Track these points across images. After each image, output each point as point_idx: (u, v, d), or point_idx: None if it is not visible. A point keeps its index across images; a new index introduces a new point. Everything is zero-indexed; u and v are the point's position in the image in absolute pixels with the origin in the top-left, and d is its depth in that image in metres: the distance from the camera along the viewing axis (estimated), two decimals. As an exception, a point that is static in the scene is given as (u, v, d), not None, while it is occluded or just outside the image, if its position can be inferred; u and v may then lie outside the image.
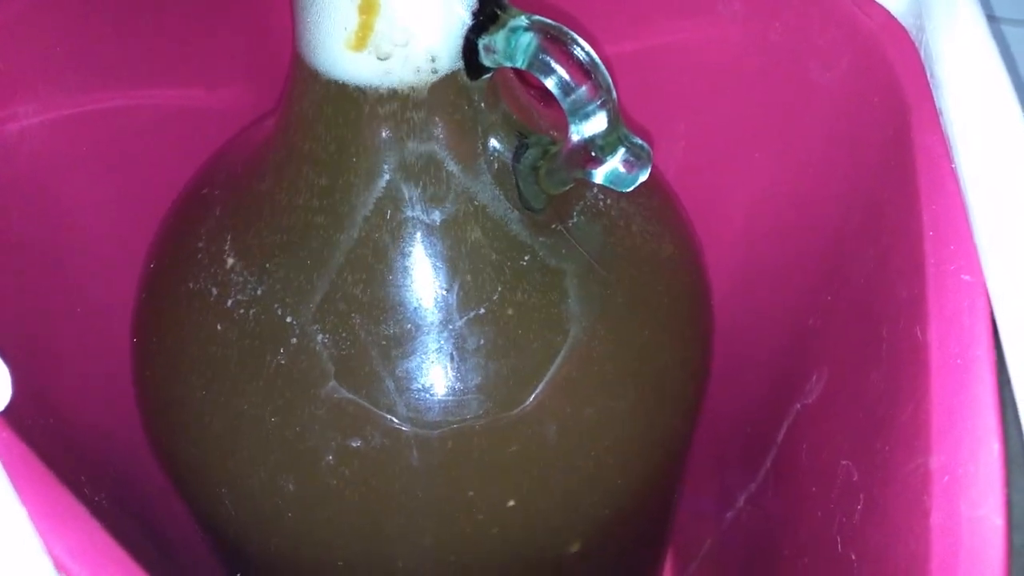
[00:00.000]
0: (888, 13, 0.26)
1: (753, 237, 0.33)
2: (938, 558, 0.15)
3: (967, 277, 0.18)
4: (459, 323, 0.23)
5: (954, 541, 0.15)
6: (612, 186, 0.22)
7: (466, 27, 0.21)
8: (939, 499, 0.16)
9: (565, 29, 0.21)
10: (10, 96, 0.28)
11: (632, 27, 0.32)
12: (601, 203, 0.26)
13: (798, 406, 0.29)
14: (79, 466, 0.28)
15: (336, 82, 0.22)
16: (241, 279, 0.25)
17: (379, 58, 0.21)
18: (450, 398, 0.23)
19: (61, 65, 0.30)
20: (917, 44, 0.24)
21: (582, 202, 0.26)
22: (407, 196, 0.23)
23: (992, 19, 0.24)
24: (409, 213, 0.23)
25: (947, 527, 0.15)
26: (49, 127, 0.29)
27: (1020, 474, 0.17)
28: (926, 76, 0.23)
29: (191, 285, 0.26)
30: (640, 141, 0.21)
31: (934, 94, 0.22)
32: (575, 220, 0.25)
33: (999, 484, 0.15)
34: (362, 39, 0.21)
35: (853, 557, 0.20)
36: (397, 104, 0.22)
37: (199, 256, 0.26)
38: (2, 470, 0.14)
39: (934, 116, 0.22)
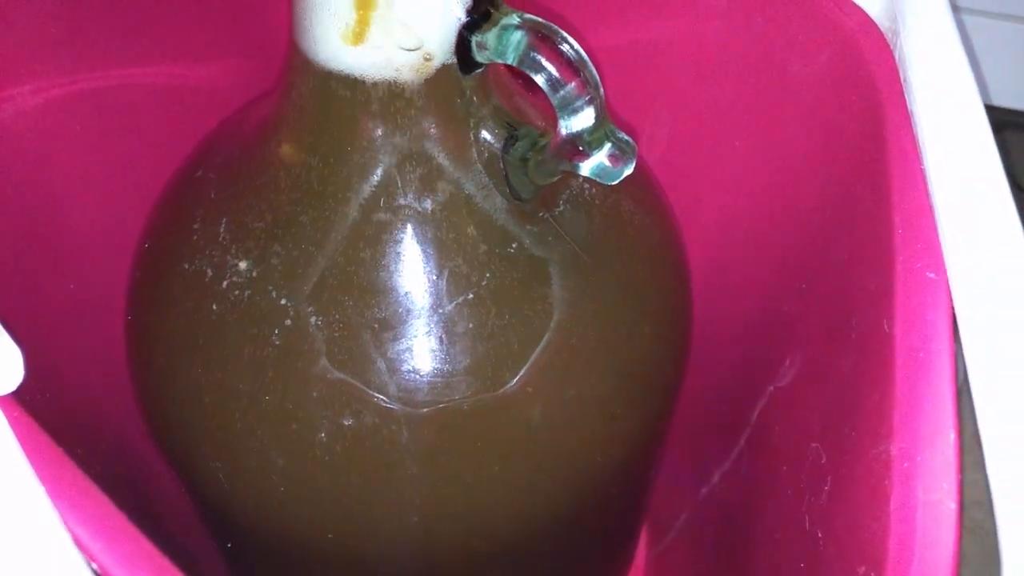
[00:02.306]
0: (865, 14, 0.27)
1: (731, 225, 0.34)
2: (896, 538, 0.16)
3: (932, 275, 0.19)
4: (448, 307, 0.24)
5: (911, 523, 0.16)
6: (598, 179, 0.22)
7: (460, 24, 0.22)
8: (898, 484, 0.17)
9: (555, 27, 0.22)
10: (5, 78, 0.29)
11: (618, 21, 0.32)
12: (587, 192, 0.27)
13: (772, 388, 0.30)
14: (73, 441, 0.28)
15: (333, 74, 0.22)
16: (236, 261, 0.25)
17: (374, 52, 0.22)
18: (439, 379, 0.24)
19: (55, 44, 0.30)
20: (892, 47, 0.25)
21: (568, 191, 0.27)
22: (400, 185, 0.24)
23: (955, 9, 0.25)
24: (401, 201, 0.24)
25: (905, 510, 0.16)
26: (44, 107, 0.30)
27: (980, 452, 0.18)
28: (900, 78, 0.24)
29: (186, 266, 0.26)
30: (626, 137, 0.22)
31: (907, 98, 0.23)
32: (561, 209, 0.26)
33: (954, 470, 0.16)
34: (359, 34, 0.22)
35: (820, 535, 0.21)
36: (392, 97, 0.23)
37: (195, 238, 0.26)
38: (19, 449, 0.15)
39: (907, 118, 0.23)
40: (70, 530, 0.14)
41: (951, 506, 0.16)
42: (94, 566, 0.14)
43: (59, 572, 0.13)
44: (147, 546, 0.15)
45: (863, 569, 0.17)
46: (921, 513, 0.16)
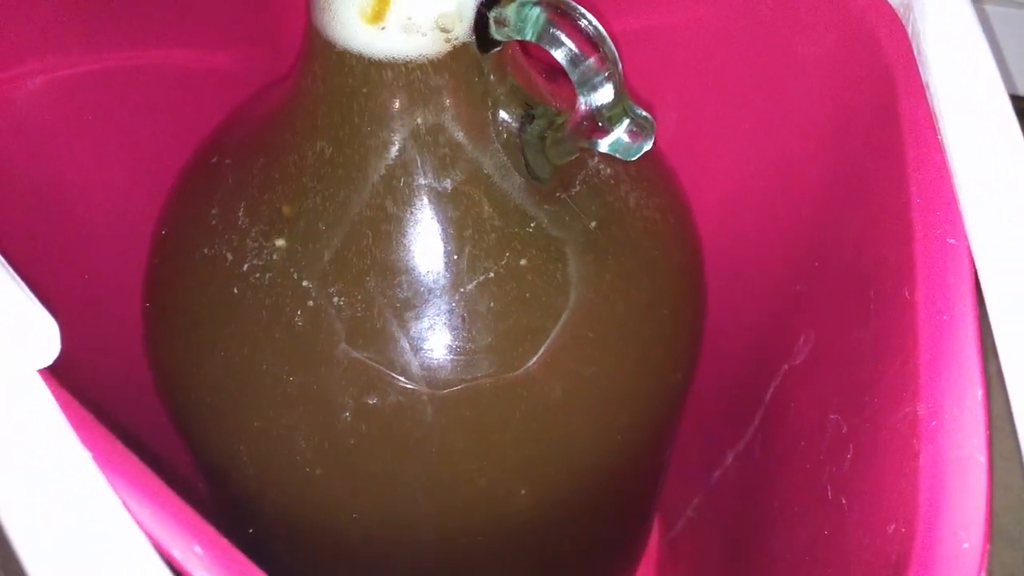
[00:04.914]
0: (875, -10, 0.27)
1: (742, 205, 0.34)
2: (926, 494, 0.16)
3: (952, 241, 0.20)
4: (469, 286, 0.24)
5: (941, 479, 0.16)
6: (617, 155, 0.22)
7: (478, 1, 0.22)
8: (927, 442, 0.17)
9: (572, 3, 0.22)
10: (18, 59, 0.29)
11: (627, 6, 0.33)
12: (602, 172, 0.27)
13: (786, 367, 0.30)
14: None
15: (351, 53, 0.23)
16: (256, 244, 0.25)
17: (394, 31, 0.22)
18: (462, 358, 0.24)
19: (66, 27, 0.30)
20: (904, 22, 0.25)
21: (584, 171, 0.27)
22: (419, 164, 0.24)
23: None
24: (420, 180, 0.24)
25: (934, 466, 0.17)
26: (57, 90, 0.30)
27: (1000, 439, 0.19)
28: (912, 51, 0.24)
29: (206, 251, 0.26)
30: (644, 112, 0.22)
31: (920, 69, 0.23)
32: (578, 189, 0.26)
33: (982, 425, 0.17)
34: (378, 13, 0.22)
35: (844, 502, 0.21)
36: (410, 75, 0.23)
37: (213, 222, 0.27)
38: (63, 417, 0.15)
39: (920, 89, 0.23)
40: (118, 494, 0.14)
41: (980, 460, 0.16)
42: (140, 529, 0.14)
43: (110, 534, 0.13)
44: (189, 510, 0.15)
45: (892, 527, 0.17)
46: (951, 468, 0.16)
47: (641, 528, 0.38)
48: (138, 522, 0.14)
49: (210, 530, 0.15)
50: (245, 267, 0.25)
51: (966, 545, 0.15)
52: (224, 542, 0.15)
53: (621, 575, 0.39)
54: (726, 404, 0.37)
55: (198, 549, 0.14)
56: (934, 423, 0.17)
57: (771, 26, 0.31)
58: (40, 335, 0.16)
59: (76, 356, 0.30)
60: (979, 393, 0.17)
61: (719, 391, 0.38)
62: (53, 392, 0.16)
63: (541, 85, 0.26)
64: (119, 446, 0.16)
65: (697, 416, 0.38)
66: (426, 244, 0.24)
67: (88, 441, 0.15)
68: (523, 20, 0.22)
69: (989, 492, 0.16)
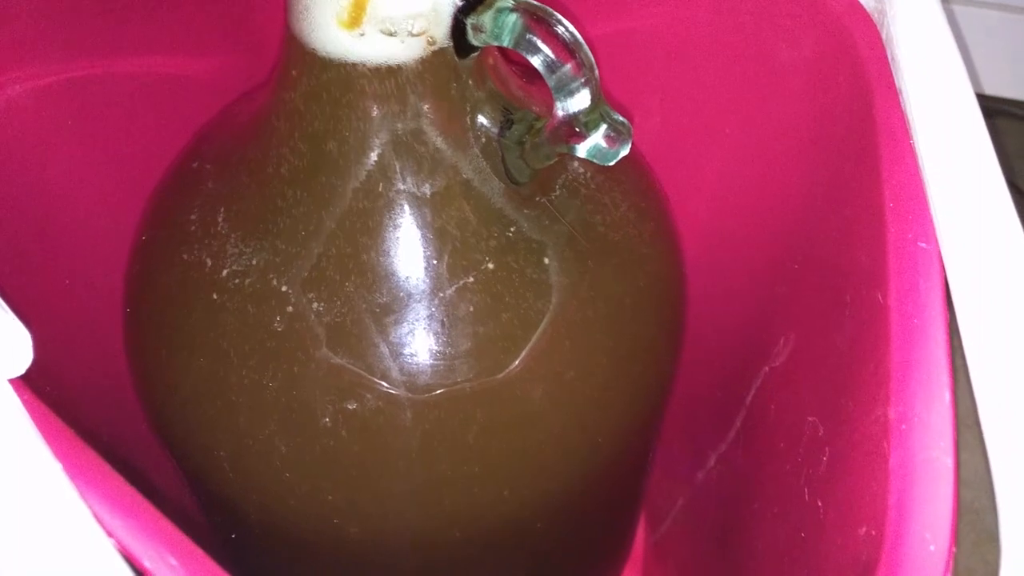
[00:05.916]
0: (852, -4, 0.27)
1: (723, 209, 0.34)
2: (895, 495, 0.17)
3: (924, 245, 0.20)
4: (449, 291, 0.24)
5: (909, 481, 0.17)
6: (594, 160, 0.23)
7: (455, 7, 0.22)
8: (896, 444, 0.17)
9: (549, 9, 0.22)
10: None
11: (607, 9, 0.33)
12: (582, 177, 0.27)
13: (766, 369, 0.31)
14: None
15: (328, 59, 0.23)
16: (236, 250, 0.25)
17: (371, 37, 0.22)
18: (442, 363, 0.24)
19: (46, 35, 0.30)
20: (879, 27, 0.25)
21: (564, 176, 0.27)
22: (397, 169, 0.24)
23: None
24: (400, 186, 0.24)
25: (903, 469, 0.17)
26: (36, 97, 0.30)
27: (970, 434, 0.19)
28: (887, 58, 0.24)
29: (185, 256, 0.26)
30: (621, 118, 0.22)
31: (894, 75, 0.23)
32: (558, 193, 0.26)
33: (950, 429, 0.17)
34: (355, 18, 0.22)
35: (820, 504, 0.21)
36: (388, 81, 0.23)
37: (192, 228, 0.27)
38: (34, 428, 0.15)
39: (895, 96, 0.23)
40: (89, 506, 0.14)
41: (948, 463, 0.16)
42: (112, 540, 0.14)
43: (80, 547, 0.13)
44: (163, 521, 0.15)
45: (864, 529, 0.17)
46: (919, 470, 0.16)
47: (626, 529, 0.39)
48: (109, 534, 0.14)
49: (186, 541, 0.15)
50: (224, 273, 0.25)
51: (932, 548, 0.15)
52: (200, 553, 0.15)
53: (606, 576, 0.39)
54: (709, 406, 0.37)
55: (172, 561, 0.14)
56: (904, 426, 0.17)
57: (752, 30, 0.31)
58: (11, 345, 0.16)
59: (58, 362, 0.30)
60: (947, 397, 0.17)
61: (702, 393, 0.38)
62: (25, 402, 0.16)
63: (521, 89, 0.26)
64: (93, 457, 0.16)
65: (681, 417, 0.39)
66: (406, 249, 0.24)
67: (60, 452, 0.15)
68: (500, 26, 0.22)
69: (955, 495, 0.16)
